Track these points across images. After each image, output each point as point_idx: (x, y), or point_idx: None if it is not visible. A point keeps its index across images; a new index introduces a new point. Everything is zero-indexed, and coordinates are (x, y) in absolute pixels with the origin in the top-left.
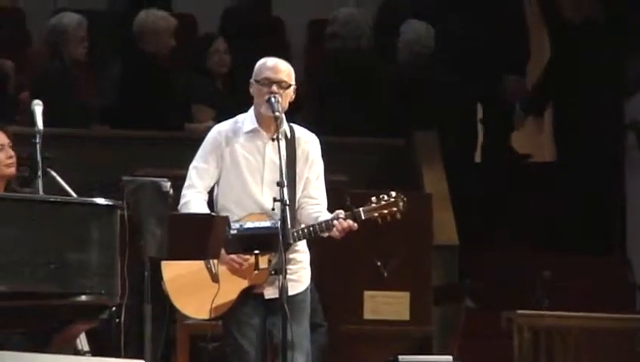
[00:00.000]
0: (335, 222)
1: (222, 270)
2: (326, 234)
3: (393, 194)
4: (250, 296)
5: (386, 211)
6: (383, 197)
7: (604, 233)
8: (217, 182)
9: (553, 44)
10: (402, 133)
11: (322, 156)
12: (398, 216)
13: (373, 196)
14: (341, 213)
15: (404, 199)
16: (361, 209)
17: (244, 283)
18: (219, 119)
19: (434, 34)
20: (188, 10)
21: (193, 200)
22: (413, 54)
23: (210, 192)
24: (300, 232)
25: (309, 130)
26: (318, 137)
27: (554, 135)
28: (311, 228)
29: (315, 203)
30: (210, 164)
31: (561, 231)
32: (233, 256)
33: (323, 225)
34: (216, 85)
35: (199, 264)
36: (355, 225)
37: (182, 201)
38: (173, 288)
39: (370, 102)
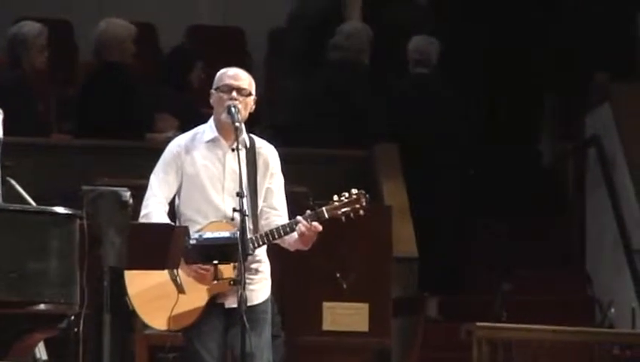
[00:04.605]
0: (300, 222)
1: (187, 281)
2: (295, 246)
3: (355, 191)
4: (211, 305)
5: (349, 208)
6: (345, 195)
7: (564, 247)
8: (178, 193)
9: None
10: (362, 144)
11: (282, 167)
12: (361, 212)
13: (334, 195)
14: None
15: (367, 196)
16: (324, 208)
17: (208, 294)
18: (183, 128)
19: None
20: (147, 20)
21: (154, 212)
22: None
23: (171, 203)
24: (260, 238)
25: (269, 140)
26: (277, 148)
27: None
28: (274, 232)
29: (277, 214)
30: (169, 174)
31: (521, 244)
32: (199, 264)
33: (287, 227)
34: (181, 96)
35: (164, 277)
36: (320, 226)
37: (143, 212)
38: (140, 303)
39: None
